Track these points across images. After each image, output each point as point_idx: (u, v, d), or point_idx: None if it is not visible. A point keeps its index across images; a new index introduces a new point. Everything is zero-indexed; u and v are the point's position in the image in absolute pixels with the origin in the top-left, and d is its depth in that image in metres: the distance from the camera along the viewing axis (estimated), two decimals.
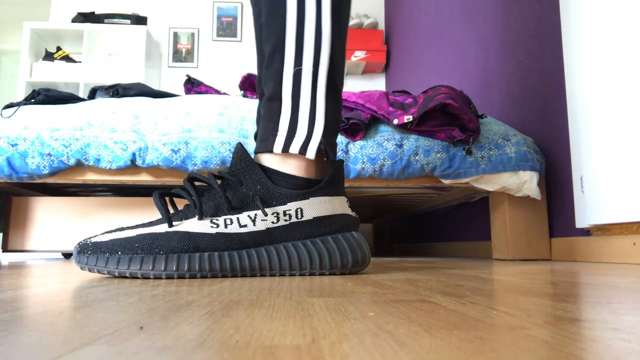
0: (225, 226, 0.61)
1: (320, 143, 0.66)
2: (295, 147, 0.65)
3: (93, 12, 3.21)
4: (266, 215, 0.62)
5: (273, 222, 0.62)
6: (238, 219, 0.61)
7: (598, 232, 1.12)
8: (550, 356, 0.18)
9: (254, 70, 3.24)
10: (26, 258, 1.48)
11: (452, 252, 1.98)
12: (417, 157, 1.25)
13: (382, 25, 3.38)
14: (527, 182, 1.25)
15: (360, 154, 1.24)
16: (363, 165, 1.24)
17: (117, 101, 1.30)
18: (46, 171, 1.21)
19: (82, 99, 1.41)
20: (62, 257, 1.69)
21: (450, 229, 2.04)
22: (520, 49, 1.51)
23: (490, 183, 1.28)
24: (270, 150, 0.66)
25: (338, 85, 0.69)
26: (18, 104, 1.30)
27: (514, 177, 1.26)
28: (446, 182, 1.29)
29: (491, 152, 1.26)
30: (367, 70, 3.24)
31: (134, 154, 1.20)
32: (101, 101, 1.31)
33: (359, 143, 1.25)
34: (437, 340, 0.21)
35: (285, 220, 0.62)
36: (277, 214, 0.62)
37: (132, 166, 1.22)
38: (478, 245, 1.72)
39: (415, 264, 0.98)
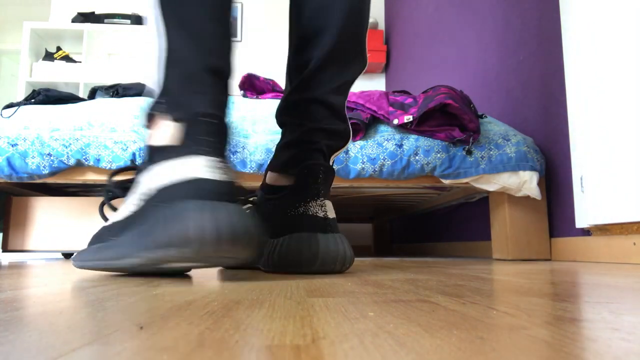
0: (115, 214, 0.62)
1: (156, 106, 0.57)
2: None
3: (93, 12, 3.21)
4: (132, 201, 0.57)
5: (130, 208, 0.57)
6: (121, 207, 0.60)
7: (598, 232, 1.12)
8: (550, 356, 0.18)
9: (254, 70, 3.23)
10: (26, 258, 1.48)
11: (452, 252, 1.98)
12: (417, 157, 1.25)
13: (382, 25, 3.38)
14: (527, 182, 1.25)
15: (360, 154, 1.24)
16: (363, 165, 1.24)
17: (117, 101, 1.30)
18: (46, 171, 1.21)
19: (82, 99, 1.41)
20: (62, 257, 1.69)
21: (450, 229, 2.04)
22: (520, 49, 1.51)
23: (490, 183, 1.28)
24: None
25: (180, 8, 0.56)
26: (18, 104, 1.30)
27: (514, 177, 1.26)
28: (446, 182, 1.29)
29: (491, 152, 1.26)
30: (367, 70, 3.24)
31: (134, 154, 1.20)
32: (101, 101, 1.31)
33: (359, 143, 1.25)
34: (437, 340, 0.21)
35: (134, 201, 0.55)
36: (131, 195, 0.57)
37: (133, 166, 1.22)
38: (478, 245, 1.72)
39: (415, 264, 0.98)
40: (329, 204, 0.68)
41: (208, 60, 0.56)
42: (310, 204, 0.66)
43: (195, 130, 0.52)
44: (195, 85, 0.55)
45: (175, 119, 0.54)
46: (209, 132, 0.52)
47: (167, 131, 0.55)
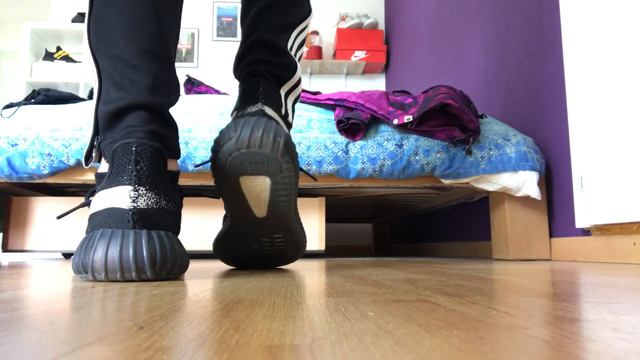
0: None
1: (92, 147, 0.64)
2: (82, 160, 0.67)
3: None
4: None
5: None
6: None
7: (598, 232, 1.12)
8: (550, 356, 0.18)
9: None
10: (26, 258, 1.48)
11: (452, 252, 1.98)
12: (417, 157, 1.25)
13: (382, 25, 3.38)
14: (527, 182, 1.25)
15: (360, 154, 1.24)
16: (363, 165, 1.24)
17: None
18: (46, 171, 1.21)
19: (82, 99, 1.41)
20: (62, 257, 1.69)
21: (450, 229, 2.04)
22: (520, 49, 1.51)
23: (490, 183, 1.28)
24: None
25: (111, 64, 0.60)
26: (18, 104, 1.30)
27: (514, 177, 1.26)
28: (446, 182, 1.29)
29: (491, 152, 1.26)
30: (367, 70, 3.24)
31: None
32: None
33: (359, 143, 1.25)
34: (437, 340, 0.21)
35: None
36: None
37: None
38: (478, 245, 1.72)
39: (415, 264, 0.98)
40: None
41: (133, 98, 0.59)
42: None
43: (117, 162, 0.57)
44: (118, 120, 0.60)
45: (104, 155, 0.61)
46: (128, 162, 0.57)
47: (103, 163, 0.63)
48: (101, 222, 0.55)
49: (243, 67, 0.77)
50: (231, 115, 0.74)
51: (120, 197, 0.55)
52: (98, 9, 0.61)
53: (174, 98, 0.65)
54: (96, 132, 0.63)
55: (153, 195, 0.57)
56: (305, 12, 0.83)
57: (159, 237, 0.55)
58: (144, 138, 0.58)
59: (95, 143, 0.64)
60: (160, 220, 0.57)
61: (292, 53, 0.81)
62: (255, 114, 0.68)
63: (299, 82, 0.80)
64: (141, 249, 0.53)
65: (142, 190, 0.56)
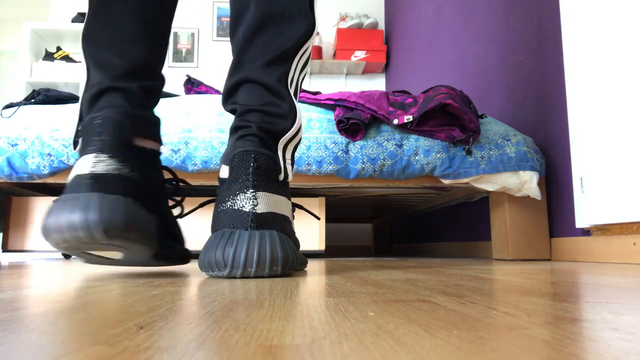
0: None
1: (77, 133, 0.67)
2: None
3: None
4: None
5: None
6: None
7: (598, 232, 1.12)
8: (550, 356, 0.18)
9: None
10: (26, 258, 1.47)
11: (453, 252, 1.98)
12: (417, 157, 1.25)
13: (382, 25, 3.38)
14: (527, 182, 1.25)
15: (360, 154, 1.24)
16: (363, 165, 1.24)
17: None
18: (46, 171, 1.21)
19: None
20: (62, 257, 1.69)
21: (451, 229, 2.04)
22: (520, 49, 1.51)
23: (490, 183, 1.28)
24: None
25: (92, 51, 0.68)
26: (18, 104, 1.30)
27: (514, 177, 1.26)
28: (446, 182, 1.29)
29: (491, 152, 1.26)
30: (367, 70, 3.24)
31: None
32: None
33: (359, 143, 1.25)
34: (437, 340, 0.21)
35: None
36: None
37: None
38: (478, 245, 1.72)
39: (415, 264, 0.98)
40: (265, 196, 0.62)
41: (109, 82, 0.65)
42: (239, 197, 0.61)
43: (85, 133, 0.61)
44: (95, 102, 0.66)
45: (78, 130, 0.66)
46: (93, 134, 0.60)
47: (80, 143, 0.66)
48: (66, 190, 0.59)
49: (232, 111, 0.70)
50: (219, 181, 0.66)
51: (83, 164, 0.59)
52: (94, 19, 0.69)
53: (152, 86, 0.70)
54: (80, 119, 0.68)
55: (113, 162, 0.59)
56: (308, 25, 0.69)
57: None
58: (109, 113, 0.62)
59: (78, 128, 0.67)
60: (116, 185, 0.59)
61: (293, 89, 0.70)
62: (247, 219, 0.60)
63: (299, 129, 0.70)
64: (117, 213, 0.56)
65: (102, 157, 0.59)
